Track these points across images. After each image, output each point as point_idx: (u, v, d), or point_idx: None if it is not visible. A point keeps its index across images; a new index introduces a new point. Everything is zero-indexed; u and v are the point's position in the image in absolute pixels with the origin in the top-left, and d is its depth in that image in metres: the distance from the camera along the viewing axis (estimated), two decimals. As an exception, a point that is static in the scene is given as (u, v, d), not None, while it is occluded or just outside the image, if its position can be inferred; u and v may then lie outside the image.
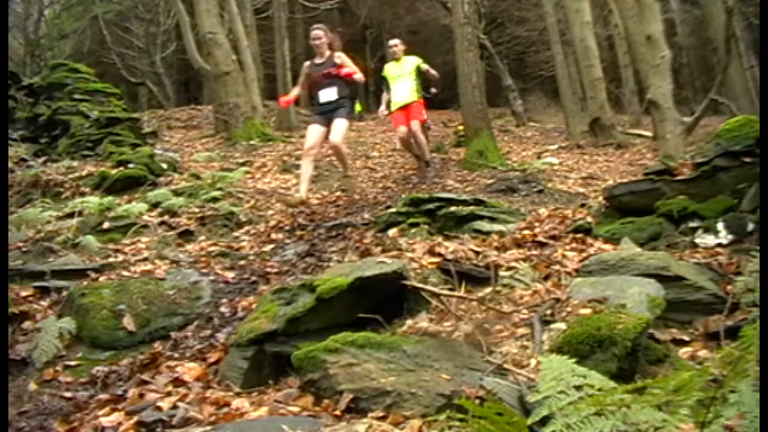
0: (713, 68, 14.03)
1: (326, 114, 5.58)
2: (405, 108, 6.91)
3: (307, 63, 5.88)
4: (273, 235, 4.25)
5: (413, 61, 7.11)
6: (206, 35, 9.84)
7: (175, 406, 1.69)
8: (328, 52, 5.67)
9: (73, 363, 2.33)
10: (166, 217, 4.48)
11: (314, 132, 5.58)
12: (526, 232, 3.34)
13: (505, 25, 18.56)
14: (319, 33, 5.67)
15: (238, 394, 1.80)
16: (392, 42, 7.34)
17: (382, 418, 1.40)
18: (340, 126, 5.52)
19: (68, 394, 2.07)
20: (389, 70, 7.19)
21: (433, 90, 9.16)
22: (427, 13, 18.33)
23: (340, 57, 5.65)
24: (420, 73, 7.07)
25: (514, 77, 16.21)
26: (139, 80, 18.17)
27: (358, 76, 5.59)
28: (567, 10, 11.93)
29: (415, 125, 6.90)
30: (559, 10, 13.37)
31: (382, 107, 7.20)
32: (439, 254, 2.79)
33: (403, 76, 6.99)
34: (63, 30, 18.74)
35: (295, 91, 5.97)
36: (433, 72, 7.19)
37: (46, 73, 8.51)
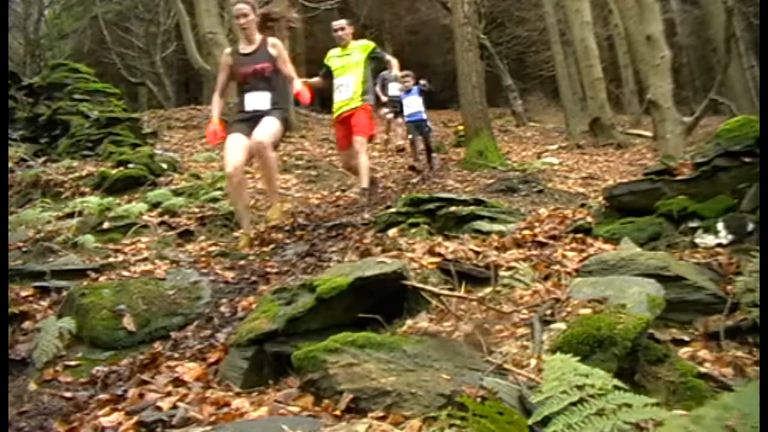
0: (713, 68, 14.04)
1: (252, 122, 3.98)
2: (347, 116, 5.32)
3: (228, 50, 4.29)
4: (273, 235, 4.25)
5: (363, 48, 5.45)
6: (206, 35, 9.87)
7: (175, 406, 1.68)
8: (258, 37, 4.14)
9: (73, 363, 2.33)
10: (166, 217, 4.48)
11: (236, 144, 3.90)
12: (526, 232, 3.34)
13: (505, 25, 18.61)
14: (243, 8, 4.07)
15: (238, 394, 1.80)
16: (336, 24, 5.60)
17: (382, 418, 1.40)
18: (268, 123, 3.92)
19: (68, 394, 2.07)
20: (332, 58, 5.53)
21: (423, 81, 8.30)
22: (427, 13, 18.38)
23: (276, 47, 4.14)
24: (372, 62, 5.46)
25: (514, 77, 16.24)
26: (139, 80, 18.20)
27: (303, 91, 4.09)
28: (567, 10, 11.96)
29: (359, 143, 5.25)
30: (559, 10, 13.40)
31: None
32: (439, 254, 2.79)
33: (348, 68, 5.37)
34: (63, 30, 18.77)
35: (216, 111, 4.16)
36: (390, 59, 5.67)
37: (46, 73, 8.52)
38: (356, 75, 5.32)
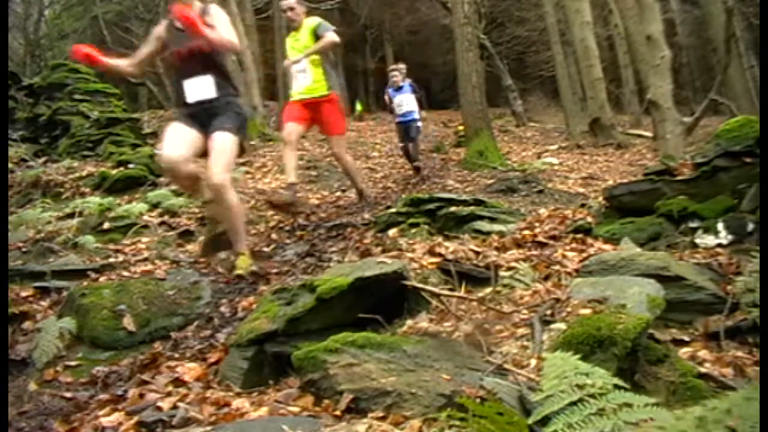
0: (713, 68, 14.05)
1: (200, 119, 3.21)
2: (313, 103, 4.74)
3: (164, 24, 3.40)
4: (273, 235, 4.25)
5: (310, 29, 4.74)
6: (206, 35, 9.84)
7: (175, 407, 1.68)
8: (197, 5, 3.25)
9: (73, 363, 2.33)
10: (166, 217, 4.49)
11: (176, 135, 3.17)
12: (526, 232, 3.34)
13: (505, 25, 18.63)
14: None
15: (238, 394, 1.80)
16: (284, 3, 4.84)
17: (382, 418, 1.40)
18: (222, 146, 3.11)
19: (68, 395, 2.07)
20: (288, 46, 4.96)
21: (423, 114, 7.91)
22: (427, 13, 18.40)
23: (215, 15, 3.22)
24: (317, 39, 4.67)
25: (514, 77, 16.25)
26: (139, 80, 18.18)
27: (222, 40, 3.07)
28: (567, 10, 11.96)
29: (338, 144, 4.88)
30: (559, 10, 13.40)
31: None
32: (439, 254, 2.79)
33: (301, 52, 4.72)
34: (63, 30, 18.78)
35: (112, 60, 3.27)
36: (326, 36, 4.63)
37: (46, 73, 8.54)
38: (309, 59, 4.67)
